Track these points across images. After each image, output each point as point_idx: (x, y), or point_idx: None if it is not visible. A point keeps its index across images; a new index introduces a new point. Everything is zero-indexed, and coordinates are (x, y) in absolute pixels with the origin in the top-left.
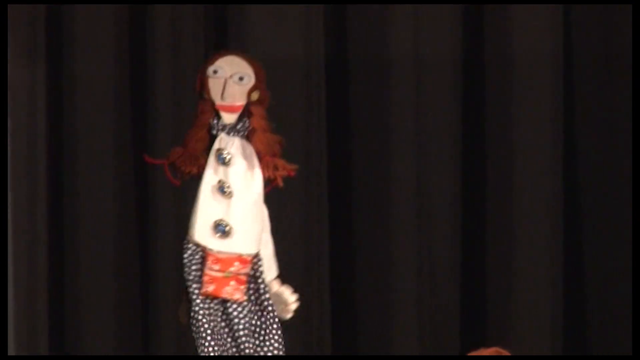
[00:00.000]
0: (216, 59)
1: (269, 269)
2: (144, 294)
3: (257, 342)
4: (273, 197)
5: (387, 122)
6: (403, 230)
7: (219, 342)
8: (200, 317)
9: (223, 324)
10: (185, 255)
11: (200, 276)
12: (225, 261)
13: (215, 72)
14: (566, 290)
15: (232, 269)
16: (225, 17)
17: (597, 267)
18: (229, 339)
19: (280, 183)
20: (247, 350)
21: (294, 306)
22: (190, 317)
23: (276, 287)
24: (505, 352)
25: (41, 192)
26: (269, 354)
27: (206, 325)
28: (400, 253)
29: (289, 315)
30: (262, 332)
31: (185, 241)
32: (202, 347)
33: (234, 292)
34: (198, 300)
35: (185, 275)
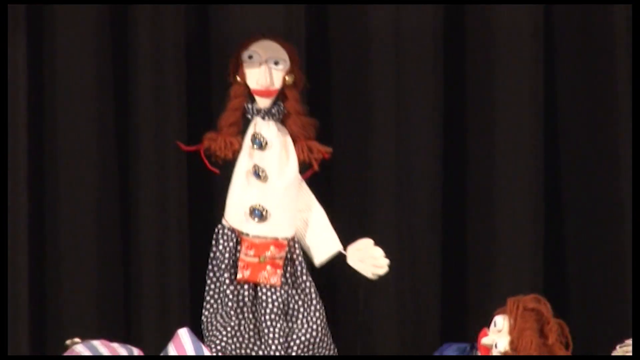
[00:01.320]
0: (250, 43)
1: (333, 243)
2: (127, 288)
3: (290, 324)
4: None
5: (368, 102)
6: (383, 212)
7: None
8: (218, 308)
9: (248, 309)
10: (222, 245)
11: (233, 264)
12: (261, 246)
13: (250, 57)
14: (547, 269)
15: (267, 253)
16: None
17: (579, 252)
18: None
19: (316, 167)
20: (268, 336)
21: (383, 270)
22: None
23: (371, 248)
24: (543, 299)
25: (21, 184)
26: (307, 335)
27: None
28: (380, 237)
29: (374, 277)
30: (300, 316)
31: (218, 228)
32: (213, 339)
33: (270, 276)
34: (227, 290)
35: (219, 264)
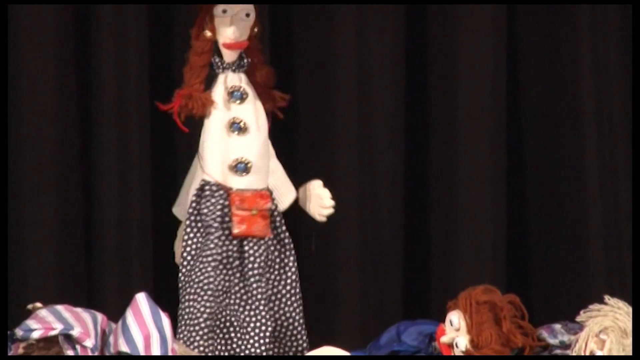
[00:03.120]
0: None
1: (290, 189)
2: (88, 252)
3: (272, 276)
4: None
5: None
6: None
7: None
8: (212, 270)
9: (234, 263)
10: (210, 201)
11: (224, 219)
12: (250, 199)
13: (224, 11)
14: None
15: (258, 205)
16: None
17: (541, 212)
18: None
19: (280, 115)
20: (257, 290)
21: (327, 211)
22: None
23: (317, 188)
24: (494, 288)
25: None
26: (285, 289)
27: (211, 285)
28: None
29: (322, 219)
30: (278, 267)
31: (201, 184)
32: (193, 302)
33: (264, 229)
34: (221, 247)
35: (208, 220)
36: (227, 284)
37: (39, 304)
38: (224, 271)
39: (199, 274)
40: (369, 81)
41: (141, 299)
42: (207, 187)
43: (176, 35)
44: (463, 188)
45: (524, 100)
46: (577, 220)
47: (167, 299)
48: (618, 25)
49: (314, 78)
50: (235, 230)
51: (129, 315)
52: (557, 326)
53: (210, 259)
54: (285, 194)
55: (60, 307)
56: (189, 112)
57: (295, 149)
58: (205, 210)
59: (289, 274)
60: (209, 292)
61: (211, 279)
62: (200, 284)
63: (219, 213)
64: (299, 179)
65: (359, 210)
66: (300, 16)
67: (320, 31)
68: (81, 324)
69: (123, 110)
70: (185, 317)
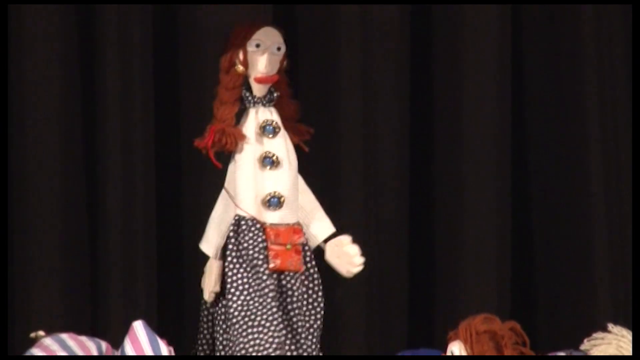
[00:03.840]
0: (253, 32)
1: (328, 226)
2: (94, 280)
3: (306, 309)
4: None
5: (336, 102)
6: (351, 211)
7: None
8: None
9: (271, 299)
10: (248, 235)
11: (266, 253)
12: (284, 233)
13: (258, 45)
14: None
15: (291, 240)
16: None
17: (547, 245)
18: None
19: (305, 148)
20: (297, 324)
21: (357, 269)
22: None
23: (346, 245)
24: (493, 317)
25: None
26: (314, 325)
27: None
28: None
29: (349, 276)
30: (306, 303)
31: (236, 219)
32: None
33: (297, 263)
34: (268, 282)
35: (251, 254)
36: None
37: (41, 332)
38: (278, 306)
39: (259, 306)
40: (373, 86)
41: (138, 327)
42: (242, 222)
43: (181, 39)
44: (468, 207)
45: (529, 102)
46: (582, 248)
47: (172, 325)
48: (622, 27)
49: (317, 82)
50: (271, 265)
51: (127, 344)
52: (562, 354)
53: (267, 290)
54: (319, 231)
55: (64, 336)
56: (221, 148)
57: (298, 153)
58: (246, 245)
59: (318, 309)
60: (275, 323)
61: (274, 309)
62: (265, 316)
63: (261, 246)
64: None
65: (364, 222)
66: (304, 18)
67: (324, 32)
68: (85, 352)
69: (127, 142)
70: (251, 350)
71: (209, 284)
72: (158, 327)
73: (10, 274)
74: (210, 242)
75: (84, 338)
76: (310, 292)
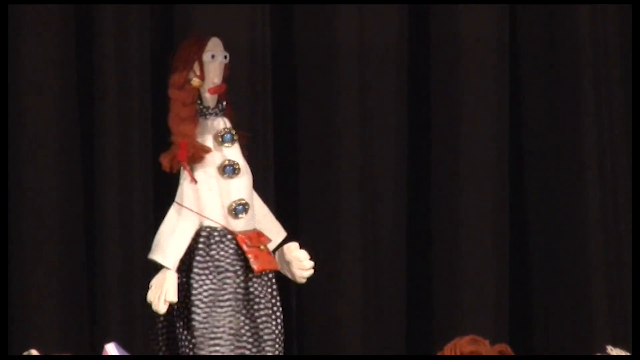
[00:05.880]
0: (206, 43)
1: (281, 231)
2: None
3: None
4: None
5: (334, 105)
6: (349, 222)
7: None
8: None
9: (241, 305)
10: (220, 246)
11: (236, 261)
12: (253, 237)
13: (213, 56)
14: (512, 270)
15: (261, 242)
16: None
17: (544, 247)
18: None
19: (245, 153)
20: (264, 331)
21: (308, 273)
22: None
23: (295, 251)
24: (480, 339)
25: None
26: (279, 327)
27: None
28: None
29: (302, 281)
30: (270, 305)
31: (202, 229)
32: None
33: (274, 262)
34: (235, 289)
35: (222, 265)
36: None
37: (33, 351)
38: (237, 313)
39: (219, 317)
40: (370, 94)
41: (111, 349)
42: (215, 234)
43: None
44: (466, 212)
45: (525, 104)
46: (580, 262)
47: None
48: (620, 24)
49: (314, 82)
50: (255, 267)
51: None
52: None
53: (228, 303)
54: (275, 235)
55: None
56: (193, 162)
57: (299, 158)
58: (217, 256)
59: (278, 313)
60: (232, 333)
61: (233, 321)
62: (223, 328)
63: (233, 257)
64: (300, 187)
65: (361, 226)
66: (303, 64)
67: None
68: None
69: (125, 155)
70: None
71: (168, 295)
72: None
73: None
74: (168, 254)
75: None
76: (270, 297)
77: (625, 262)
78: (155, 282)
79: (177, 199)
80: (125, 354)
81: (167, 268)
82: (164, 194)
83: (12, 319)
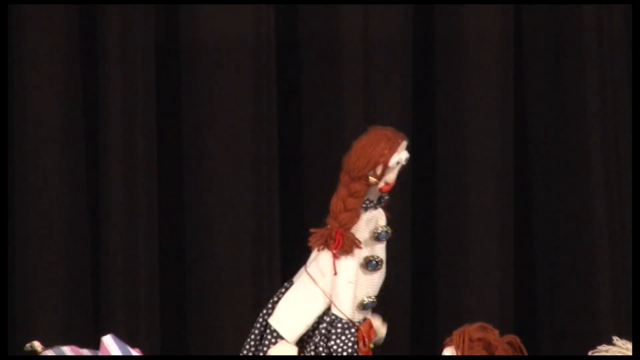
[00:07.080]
0: (396, 148)
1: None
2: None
3: None
4: (228, 184)
5: (339, 101)
6: None
7: None
8: None
9: None
10: (340, 338)
11: (353, 354)
12: (369, 332)
13: (398, 162)
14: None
15: (371, 337)
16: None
17: (549, 252)
18: None
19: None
20: None
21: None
22: None
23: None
24: (489, 326)
25: None
26: None
27: None
28: None
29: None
30: None
31: (331, 321)
32: None
33: None
34: None
35: (332, 353)
36: None
37: (36, 343)
38: None
39: None
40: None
41: (108, 341)
42: (339, 324)
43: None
44: (471, 211)
45: (531, 109)
46: (585, 260)
47: (175, 334)
48: (625, 20)
49: (319, 79)
50: None
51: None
52: None
53: None
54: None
55: (66, 348)
56: (344, 254)
57: (301, 152)
58: (335, 347)
59: None
60: None
61: None
62: None
63: (350, 351)
64: (304, 183)
65: None
66: (308, 61)
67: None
68: None
69: (128, 155)
70: None
71: None
72: (161, 337)
73: (11, 281)
74: (290, 328)
75: (85, 350)
76: None
77: (630, 257)
78: (277, 350)
79: (311, 271)
80: (123, 345)
81: (288, 342)
82: (168, 190)
83: (16, 318)
